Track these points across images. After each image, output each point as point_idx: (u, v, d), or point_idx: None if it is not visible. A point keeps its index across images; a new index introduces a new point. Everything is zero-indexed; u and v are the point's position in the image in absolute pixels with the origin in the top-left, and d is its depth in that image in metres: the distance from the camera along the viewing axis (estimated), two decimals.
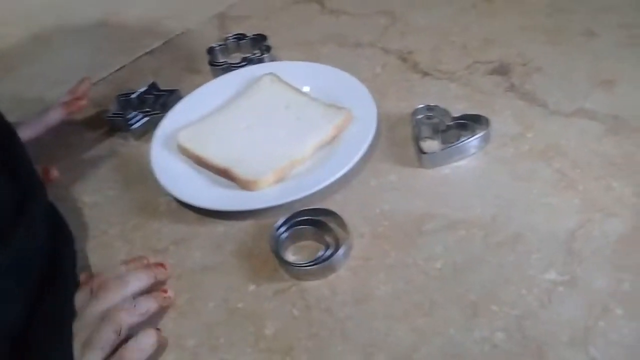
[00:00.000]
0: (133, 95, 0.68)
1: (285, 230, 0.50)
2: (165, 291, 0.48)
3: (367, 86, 0.62)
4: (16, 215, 0.46)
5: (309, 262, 0.48)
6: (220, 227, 0.53)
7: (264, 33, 0.74)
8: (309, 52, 0.72)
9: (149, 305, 0.46)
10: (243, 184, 0.54)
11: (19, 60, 0.81)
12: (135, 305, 0.45)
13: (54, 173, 0.58)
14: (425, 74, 0.65)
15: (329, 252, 0.48)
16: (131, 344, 0.43)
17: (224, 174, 0.55)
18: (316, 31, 0.75)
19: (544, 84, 0.60)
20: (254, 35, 0.74)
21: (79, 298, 0.46)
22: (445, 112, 0.57)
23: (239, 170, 0.54)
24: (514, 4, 0.72)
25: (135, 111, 0.66)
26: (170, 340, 0.45)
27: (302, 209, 0.51)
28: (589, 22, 0.67)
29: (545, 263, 0.45)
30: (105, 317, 0.43)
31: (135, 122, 0.65)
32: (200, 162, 0.57)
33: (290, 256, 0.50)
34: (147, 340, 0.43)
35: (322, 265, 0.47)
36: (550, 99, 0.58)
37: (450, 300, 0.44)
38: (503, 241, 0.47)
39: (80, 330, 0.43)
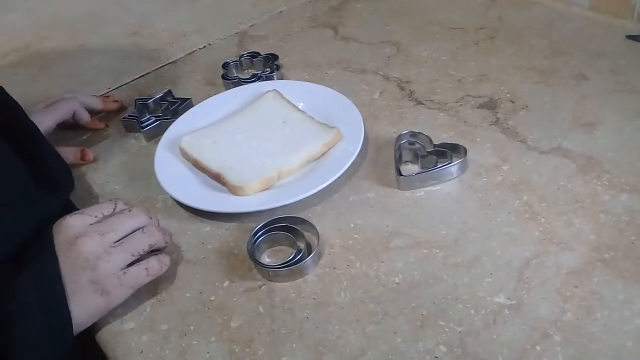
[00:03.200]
0: (149, 101, 0.73)
1: (263, 234, 0.54)
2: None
3: (363, 109, 0.66)
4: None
5: (280, 265, 0.52)
6: (207, 227, 0.58)
7: (278, 53, 0.80)
8: (315, 73, 0.77)
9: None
10: (232, 189, 0.58)
11: (55, 60, 0.89)
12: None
13: (90, 155, 0.67)
14: (419, 102, 0.68)
15: (298, 257, 0.52)
16: (157, 257, 0.51)
17: (217, 179, 0.60)
18: (326, 55, 0.80)
19: (528, 121, 0.63)
20: (266, 54, 0.79)
21: (104, 206, 0.51)
22: (427, 139, 0.60)
23: (229, 176, 0.59)
24: (515, 44, 0.76)
25: (149, 114, 0.72)
26: (145, 323, 0.50)
27: (281, 216, 0.55)
28: (582, 66, 0.70)
29: (496, 287, 0.48)
30: (141, 230, 0.50)
31: (148, 125, 0.70)
32: (197, 166, 0.62)
33: (266, 258, 0.54)
34: (167, 260, 0.51)
35: (291, 268, 0.51)
36: (530, 136, 0.61)
37: (402, 312, 0.47)
38: (460, 263, 0.50)
39: (107, 230, 0.49)
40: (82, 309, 0.47)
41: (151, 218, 0.52)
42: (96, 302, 0.47)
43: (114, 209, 0.52)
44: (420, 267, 0.50)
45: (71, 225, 0.48)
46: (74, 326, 0.46)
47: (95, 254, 0.47)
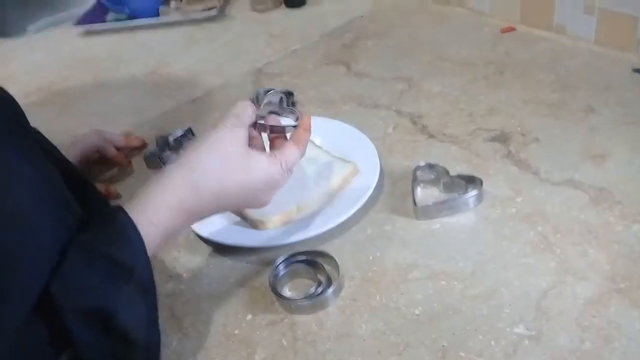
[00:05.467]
0: (170, 138, 0.76)
1: (284, 268, 0.56)
2: None
3: (378, 143, 0.68)
4: None
5: (301, 298, 0.53)
6: (229, 261, 0.59)
7: (293, 90, 0.82)
8: (330, 108, 0.79)
9: None
10: (253, 224, 0.60)
11: (77, 99, 0.93)
12: None
13: (114, 192, 0.69)
14: (431, 136, 0.71)
15: (320, 290, 0.53)
16: None
17: (238, 213, 0.62)
18: (340, 91, 0.83)
19: (539, 154, 0.65)
20: (282, 91, 0.82)
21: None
22: (444, 171, 0.62)
23: (250, 211, 0.60)
24: (523, 79, 0.78)
25: (170, 151, 0.75)
26: (172, 357, 0.51)
27: (301, 250, 0.57)
28: (590, 99, 0.72)
29: (515, 317, 0.49)
30: None
31: (169, 161, 0.73)
32: None
33: (287, 291, 0.55)
34: None
35: (312, 301, 0.52)
36: (542, 168, 0.63)
37: (423, 344, 0.48)
38: (479, 294, 0.51)
39: None
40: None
41: None
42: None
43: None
44: (439, 298, 0.51)
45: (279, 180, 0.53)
46: None
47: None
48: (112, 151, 0.74)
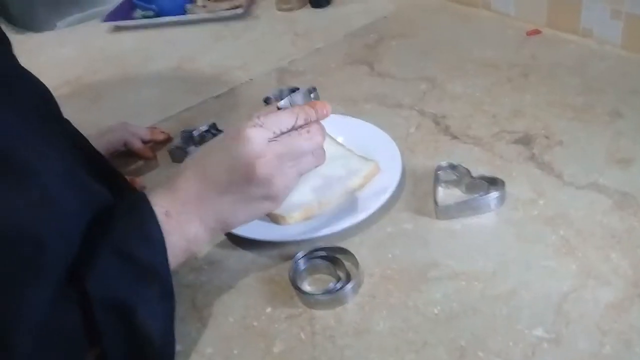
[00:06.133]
0: (195, 132, 0.77)
1: (304, 263, 0.56)
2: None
3: (400, 143, 0.68)
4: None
5: (320, 293, 0.53)
6: (250, 254, 0.60)
7: (316, 86, 0.83)
8: (352, 107, 0.79)
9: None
10: (274, 219, 0.61)
11: (105, 93, 0.94)
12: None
13: (140, 183, 0.71)
14: (454, 137, 0.70)
15: (339, 286, 0.54)
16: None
17: None
18: (362, 90, 0.83)
19: (563, 157, 0.64)
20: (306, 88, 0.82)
21: (284, 119, 0.50)
22: (466, 171, 0.62)
23: None
24: (548, 81, 0.77)
25: (194, 146, 0.76)
26: (190, 346, 0.52)
27: (322, 246, 0.57)
28: (616, 103, 0.71)
29: (534, 320, 0.49)
30: (312, 153, 0.52)
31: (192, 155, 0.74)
32: None
33: (306, 286, 0.56)
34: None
35: (331, 296, 0.53)
36: (566, 171, 0.62)
37: (441, 342, 0.48)
38: (499, 295, 0.51)
39: (285, 152, 0.50)
40: (249, 215, 0.52)
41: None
42: (264, 207, 0.52)
43: (294, 125, 0.51)
44: (458, 298, 0.51)
45: (250, 138, 0.49)
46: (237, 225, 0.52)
47: (272, 174, 0.49)
48: (137, 144, 0.75)
